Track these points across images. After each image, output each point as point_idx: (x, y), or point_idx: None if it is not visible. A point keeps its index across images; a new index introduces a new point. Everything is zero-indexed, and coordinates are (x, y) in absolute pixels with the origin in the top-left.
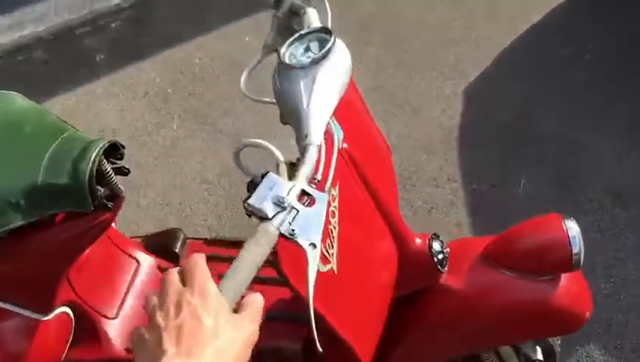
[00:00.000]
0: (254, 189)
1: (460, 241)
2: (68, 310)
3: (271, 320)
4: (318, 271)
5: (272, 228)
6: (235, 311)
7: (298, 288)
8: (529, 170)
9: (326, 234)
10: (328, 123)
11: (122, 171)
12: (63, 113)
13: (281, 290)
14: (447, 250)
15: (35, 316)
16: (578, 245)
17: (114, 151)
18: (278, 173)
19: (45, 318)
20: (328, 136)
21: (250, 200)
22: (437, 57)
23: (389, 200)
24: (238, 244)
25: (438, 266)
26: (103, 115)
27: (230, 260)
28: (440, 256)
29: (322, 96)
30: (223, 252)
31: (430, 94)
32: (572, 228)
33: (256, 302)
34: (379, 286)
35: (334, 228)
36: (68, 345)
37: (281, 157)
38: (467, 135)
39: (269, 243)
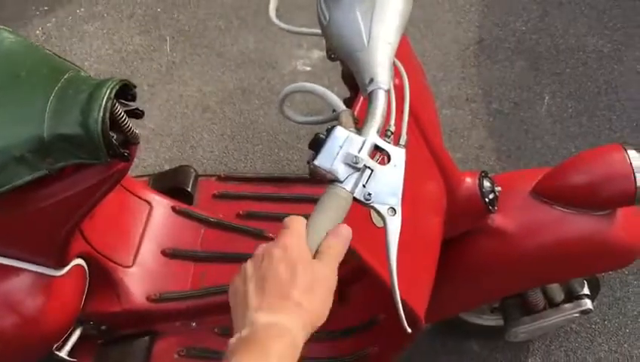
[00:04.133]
0: (320, 147)
1: (509, 176)
2: (82, 262)
3: None
4: (374, 227)
5: (344, 193)
6: None
7: (374, 265)
8: (552, 85)
9: None
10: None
11: (136, 114)
12: (45, 39)
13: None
14: (499, 189)
15: (49, 272)
16: None
17: (126, 91)
18: (342, 125)
19: (60, 273)
20: (398, 76)
21: (318, 161)
22: None
23: (436, 136)
24: (251, 180)
25: (489, 206)
26: (88, 39)
27: (247, 197)
28: (491, 196)
29: (384, 29)
30: (237, 188)
31: (443, 5)
32: (636, 158)
33: (333, 247)
34: (431, 229)
35: None
36: (84, 297)
37: (342, 105)
38: (484, 49)
39: (342, 209)
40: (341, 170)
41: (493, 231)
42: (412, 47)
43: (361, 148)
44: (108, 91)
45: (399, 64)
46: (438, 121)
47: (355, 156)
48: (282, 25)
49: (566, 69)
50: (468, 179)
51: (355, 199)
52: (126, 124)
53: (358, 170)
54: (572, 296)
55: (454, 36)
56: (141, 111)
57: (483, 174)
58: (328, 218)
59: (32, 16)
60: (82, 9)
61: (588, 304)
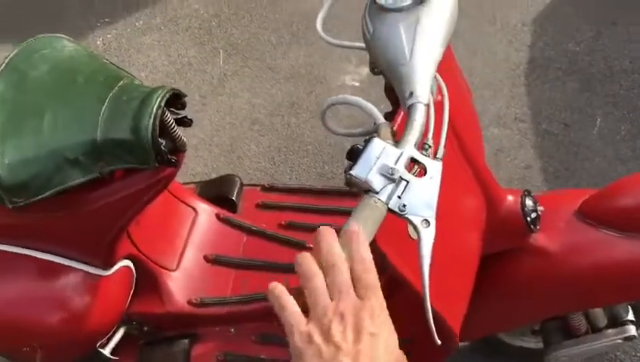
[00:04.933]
0: (357, 157)
1: (553, 195)
2: (129, 263)
3: None
4: (410, 239)
5: (379, 203)
6: None
7: (403, 271)
8: (605, 107)
9: None
10: (434, 79)
11: (184, 122)
12: (105, 49)
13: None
14: (541, 208)
15: (97, 271)
16: None
17: (175, 100)
18: (380, 136)
19: (107, 273)
20: (440, 92)
21: (354, 171)
22: None
23: (478, 153)
24: (294, 191)
25: (531, 226)
26: (145, 51)
27: (288, 208)
28: (533, 215)
29: (427, 44)
30: (280, 199)
31: (494, 24)
32: None
33: (364, 279)
34: (469, 246)
35: None
36: (129, 298)
37: (381, 118)
38: (535, 69)
39: (377, 220)
40: (377, 181)
41: (535, 251)
42: (460, 64)
43: (398, 159)
44: (159, 99)
45: (440, 79)
46: (481, 138)
47: (391, 168)
48: (328, 38)
49: (620, 91)
50: (510, 197)
51: (389, 210)
52: (175, 131)
53: (393, 181)
54: (616, 322)
55: (505, 55)
56: (190, 119)
57: (526, 193)
58: (362, 229)
59: (93, 27)
60: (140, 21)
61: (632, 330)
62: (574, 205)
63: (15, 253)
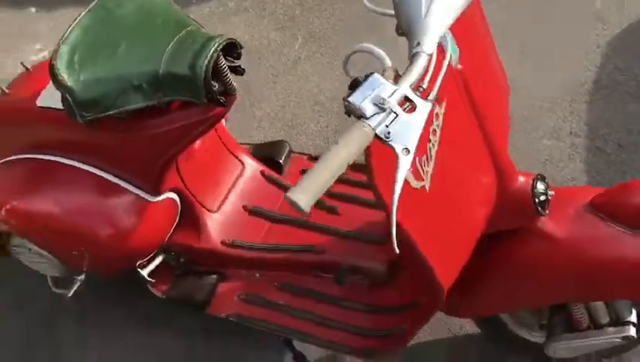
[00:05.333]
0: (356, 87)
1: (569, 188)
2: (175, 196)
3: (360, 241)
4: (409, 186)
5: (367, 128)
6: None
7: (383, 192)
8: None
9: (424, 149)
10: (444, 37)
11: (238, 70)
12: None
13: (373, 213)
14: (551, 193)
15: (146, 196)
16: None
17: (233, 49)
18: (382, 75)
19: (154, 200)
20: (441, 50)
21: (351, 98)
22: (582, 3)
23: (498, 134)
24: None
25: (539, 208)
26: (231, 29)
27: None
28: (542, 198)
29: (442, 6)
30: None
31: (569, 41)
32: None
33: None
34: (472, 215)
35: (433, 146)
36: (172, 229)
37: (388, 63)
38: (600, 90)
39: (363, 142)
40: (369, 109)
41: (542, 235)
42: (524, 75)
43: (392, 94)
44: (216, 44)
45: (451, 42)
46: (507, 120)
47: (384, 99)
48: (370, 6)
49: None
50: (521, 178)
51: (376, 135)
52: (227, 76)
53: (384, 110)
54: (618, 321)
55: (572, 72)
56: (242, 69)
57: (539, 177)
58: (347, 150)
59: (189, 5)
60: (232, 3)
61: (631, 331)
62: (587, 198)
63: (80, 168)
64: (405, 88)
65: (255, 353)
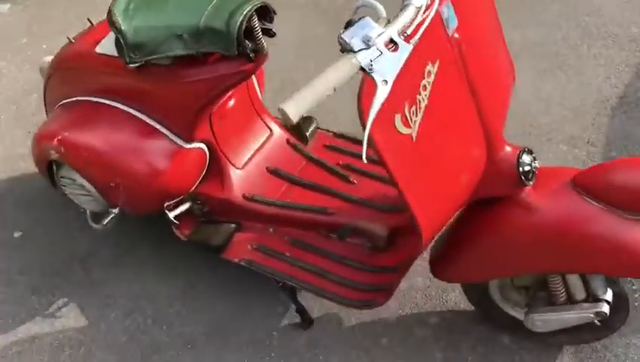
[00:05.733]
0: (350, 26)
1: (556, 167)
2: (205, 147)
3: (368, 207)
4: (397, 131)
5: (354, 60)
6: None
7: (364, 112)
8: None
9: (413, 101)
10: (445, 6)
11: (269, 33)
12: None
13: (384, 186)
14: (536, 165)
15: (179, 141)
16: None
17: (266, 13)
18: (375, 20)
19: (186, 146)
20: (439, 14)
21: (343, 35)
22: (617, 25)
23: (491, 106)
24: (359, 142)
25: (522, 177)
26: (283, 21)
27: (350, 154)
28: (526, 168)
29: None
30: (344, 145)
31: (598, 60)
32: None
33: None
34: (458, 175)
35: (423, 100)
36: (200, 177)
37: (384, 14)
38: (624, 105)
39: (349, 71)
40: (357, 44)
41: (525, 205)
42: (551, 86)
43: (379, 35)
44: (250, 6)
45: (449, 9)
46: (506, 96)
47: (371, 38)
48: None
49: None
50: (508, 148)
51: (361, 67)
52: (258, 36)
53: (369, 47)
54: (593, 298)
55: (599, 87)
56: (274, 32)
57: (526, 149)
58: (335, 76)
59: None
60: None
61: (604, 308)
62: (571, 175)
63: (124, 111)
64: (391, 31)
65: (261, 305)
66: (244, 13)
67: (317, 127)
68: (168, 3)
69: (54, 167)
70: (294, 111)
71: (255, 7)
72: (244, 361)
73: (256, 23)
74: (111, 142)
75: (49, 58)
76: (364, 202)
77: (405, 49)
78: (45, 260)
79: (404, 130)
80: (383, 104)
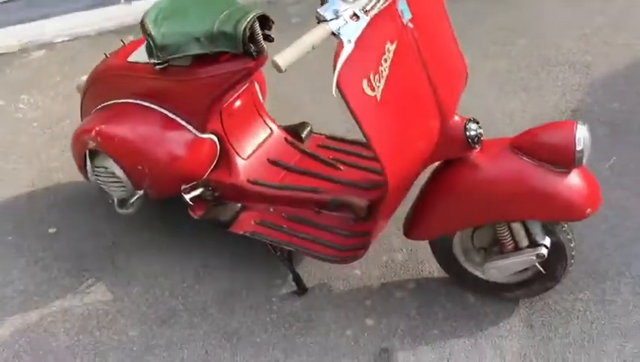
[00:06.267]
0: (324, 2)
1: (498, 138)
2: (216, 139)
3: (351, 186)
4: (364, 92)
5: (327, 27)
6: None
7: (335, 61)
8: (626, 152)
9: (376, 69)
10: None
11: (268, 38)
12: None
13: (367, 174)
14: (481, 131)
15: (194, 131)
16: (582, 145)
17: (266, 22)
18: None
19: (200, 135)
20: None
21: (319, 9)
22: (573, 55)
23: (443, 85)
24: (350, 142)
25: (469, 141)
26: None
27: (339, 150)
28: (472, 133)
29: None
30: (334, 144)
31: (556, 82)
32: (581, 130)
33: None
34: (418, 137)
35: (384, 70)
36: (212, 165)
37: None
38: (577, 116)
39: (323, 35)
40: (329, 16)
41: (472, 165)
42: (513, 101)
43: (345, 10)
44: (253, 14)
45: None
46: (459, 83)
47: (339, 10)
48: None
49: None
50: (457, 118)
51: (332, 32)
52: (259, 38)
53: (338, 18)
54: (533, 244)
55: (556, 103)
56: (272, 38)
57: (472, 119)
58: (314, 38)
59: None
60: None
61: (543, 251)
62: (511, 139)
63: (150, 107)
64: (354, 7)
65: (263, 279)
66: (248, 19)
67: (311, 131)
68: (189, 14)
69: (88, 160)
70: (283, 62)
71: (257, 16)
72: (248, 322)
73: (257, 28)
74: (138, 132)
75: (85, 77)
76: (349, 182)
77: (364, 19)
78: (76, 250)
79: (369, 92)
80: (352, 68)
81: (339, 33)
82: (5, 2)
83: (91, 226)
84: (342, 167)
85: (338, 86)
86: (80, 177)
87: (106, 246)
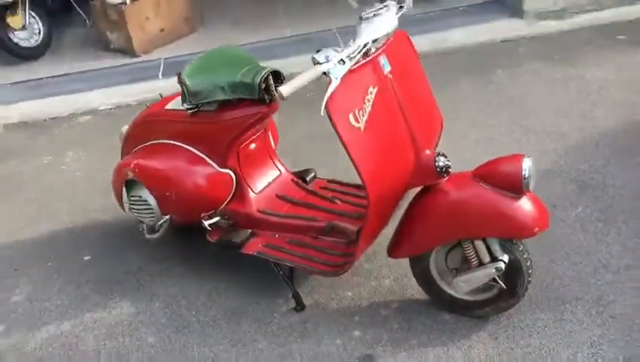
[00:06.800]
0: (319, 52)
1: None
2: (233, 174)
3: (346, 216)
4: (350, 123)
5: (320, 68)
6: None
7: (326, 94)
8: (590, 204)
9: (361, 106)
10: (380, 58)
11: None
12: None
13: (360, 209)
14: (449, 163)
15: (215, 166)
16: (528, 173)
17: (279, 76)
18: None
19: (220, 170)
20: (376, 60)
21: (315, 55)
22: (549, 125)
23: (418, 126)
24: (346, 185)
25: (438, 171)
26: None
27: (339, 191)
28: (441, 164)
29: (370, 27)
30: (335, 187)
31: (534, 147)
32: (526, 162)
33: None
34: (398, 166)
35: (368, 107)
36: (229, 197)
37: (339, 49)
38: (550, 175)
39: (317, 73)
40: (321, 60)
41: (442, 191)
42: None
43: (334, 57)
44: (267, 70)
45: (384, 59)
46: (435, 124)
47: (329, 57)
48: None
49: (604, 196)
50: (428, 151)
51: (323, 72)
52: (272, 89)
53: (328, 62)
54: (493, 259)
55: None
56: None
57: (441, 153)
58: (306, 76)
59: None
60: None
61: (501, 264)
62: (473, 170)
63: (181, 146)
64: (341, 55)
65: (267, 298)
66: (264, 73)
67: (315, 176)
68: (217, 69)
69: (125, 191)
70: (285, 92)
71: (270, 71)
72: (252, 332)
73: (271, 80)
74: (169, 164)
75: (126, 127)
76: (342, 213)
77: (348, 63)
78: (106, 273)
79: (355, 124)
80: (341, 103)
81: (328, 72)
82: (56, 76)
83: (121, 255)
84: (338, 202)
85: (329, 116)
86: (113, 216)
87: (132, 271)
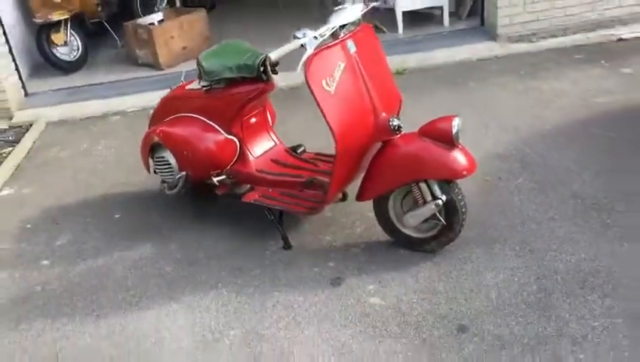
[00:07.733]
0: (298, 31)
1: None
2: (236, 140)
3: (325, 174)
4: (324, 87)
5: (298, 41)
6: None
7: (303, 61)
8: (530, 177)
9: (331, 75)
10: (348, 41)
11: (274, 71)
12: None
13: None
14: (400, 123)
15: (223, 132)
16: (456, 128)
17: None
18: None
19: (227, 136)
20: (344, 43)
21: (295, 33)
22: (505, 121)
23: (378, 97)
24: (327, 155)
25: (392, 129)
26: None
27: (322, 161)
28: (394, 124)
29: (341, 15)
30: (318, 156)
31: (490, 138)
32: (456, 120)
33: None
34: (359, 122)
35: (337, 77)
36: (234, 160)
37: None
38: (501, 157)
39: (296, 45)
40: (300, 35)
41: (394, 145)
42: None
43: (310, 34)
44: (265, 55)
45: (350, 42)
46: (395, 104)
47: (306, 34)
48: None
49: (540, 171)
50: (384, 114)
51: (300, 45)
52: (268, 70)
53: (305, 36)
54: (434, 198)
55: (487, 149)
56: (277, 71)
57: (396, 116)
58: (289, 46)
59: None
60: None
61: (439, 202)
62: (419, 129)
63: (196, 117)
64: (315, 33)
65: (261, 240)
66: (262, 57)
67: (304, 150)
68: (227, 55)
69: (151, 155)
70: (274, 57)
71: (268, 55)
72: (249, 264)
73: (267, 62)
74: (187, 131)
75: (152, 110)
76: (322, 172)
77: (320, 40)
78: (133, 227)
79: (327, 87)
80: (316, 71)
81: (305, 45)
82: (91, 85)
83: (145, 214)
84: (319, 165)
85: (307, 82)
86: (139, 188)
87: (154, 224)
